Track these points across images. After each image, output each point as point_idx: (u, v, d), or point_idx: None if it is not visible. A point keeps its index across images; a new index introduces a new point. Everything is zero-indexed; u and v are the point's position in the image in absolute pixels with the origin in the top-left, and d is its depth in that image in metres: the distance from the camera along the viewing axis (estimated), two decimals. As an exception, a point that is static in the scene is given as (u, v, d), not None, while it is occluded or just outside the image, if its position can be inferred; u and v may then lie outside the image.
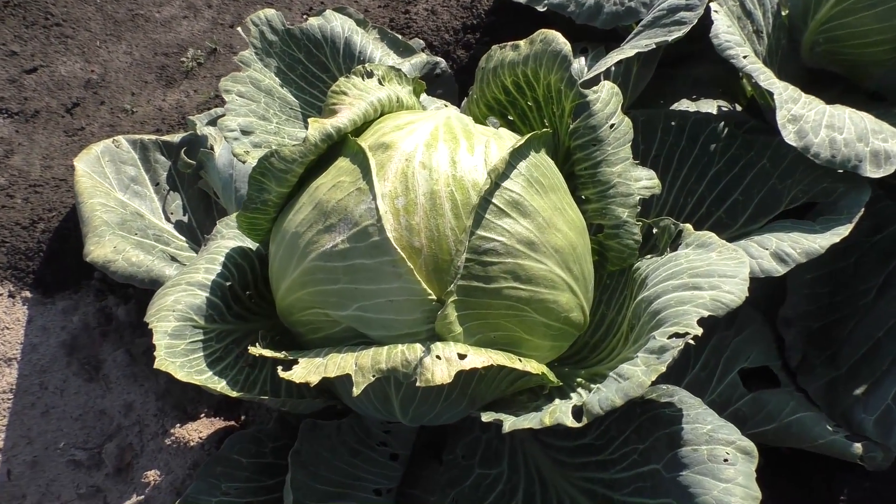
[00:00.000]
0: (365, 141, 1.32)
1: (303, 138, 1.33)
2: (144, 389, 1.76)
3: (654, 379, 1.10)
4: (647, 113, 1.67)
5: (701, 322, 1.18)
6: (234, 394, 1.31)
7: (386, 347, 1.18)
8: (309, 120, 1.34)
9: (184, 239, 1.84)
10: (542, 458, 1.46)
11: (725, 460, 1.21)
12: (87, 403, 1.78)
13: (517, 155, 1.27)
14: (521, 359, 1.20)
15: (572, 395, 1.40)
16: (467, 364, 1.14)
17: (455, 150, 1.27)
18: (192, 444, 1.66)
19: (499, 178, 1.23)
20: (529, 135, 1.29)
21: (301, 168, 1.34)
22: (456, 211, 1.22)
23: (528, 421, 1.15)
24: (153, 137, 1.95)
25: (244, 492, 1.38)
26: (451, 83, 2.10)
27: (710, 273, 1.25)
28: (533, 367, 1.20)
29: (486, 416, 1.21)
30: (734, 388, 1.60)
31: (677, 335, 1.18)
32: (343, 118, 1.34)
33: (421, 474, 1.58)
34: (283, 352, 1.28)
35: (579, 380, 1.44)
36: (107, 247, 1.57)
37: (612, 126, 1.40)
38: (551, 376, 1.25)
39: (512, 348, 1.26)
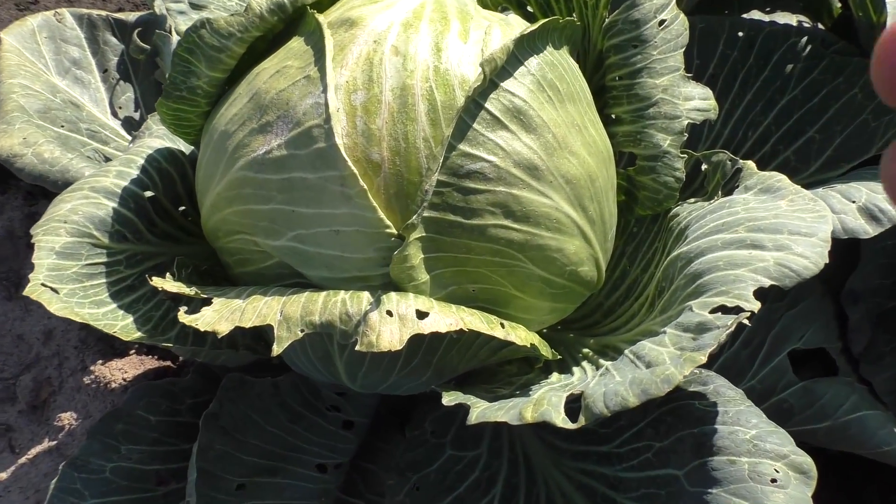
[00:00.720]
0: (328, 16, 0.98)
1: (245, 7, 1.00)
2: (68, 315, 1.47)
3: (688, 372, 0.77)
4: (708, 20, 1.31)
5: (759, 294, 0.85)
6: (133, 336, 1.01)
7: (324, 294, 0.87)
8: (256, -17, 1.00)
9: (130, 139, 1.53)
10: (533, 441, 1.16)
11: (773, 480, 0.89)
12: (3, 326, 1.51)
13: (526, 45, 0.93)
14: (506, 324, 0.88)
15: (574, 370, 1.09)
16: (428, 326, 0.83)
17: (443, 33, 0.93)
18: (113, 385, 1.38)
19: (497, 73, 0.89)
20: (546, 20, 0.95)
21: (241, 47, 1.00)
22: (434, 116, 0.88)
23: (503, 412, 0.84)
24: (104, 13, 1.62)
25: (150, 457, 1.10)
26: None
27: (778, 228, 0.90)
28: (519, 336, 0.88)
29: (449, 398, 0.90)
30: (781, 374, 1.30)
31: (724, 309, 0.86)
32: (301, -16, 1.00)
33: (382, 447, 1.29)
34: (196, 287, 0.97)
35: (586, 350, 1.12)
36: (14, 137, 1.26)
37: (661, 23, 1.04)
38: (544, 349, 0.93)
39: (496, 307, 0.94)
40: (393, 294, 0.86)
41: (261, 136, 0.93)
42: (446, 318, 0.84)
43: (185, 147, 1.19)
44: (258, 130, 0.93)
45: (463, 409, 1.04)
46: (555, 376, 1.06)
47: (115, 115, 1.58)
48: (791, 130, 1.28)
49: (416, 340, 0.87)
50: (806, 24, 1.46)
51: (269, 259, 0.96)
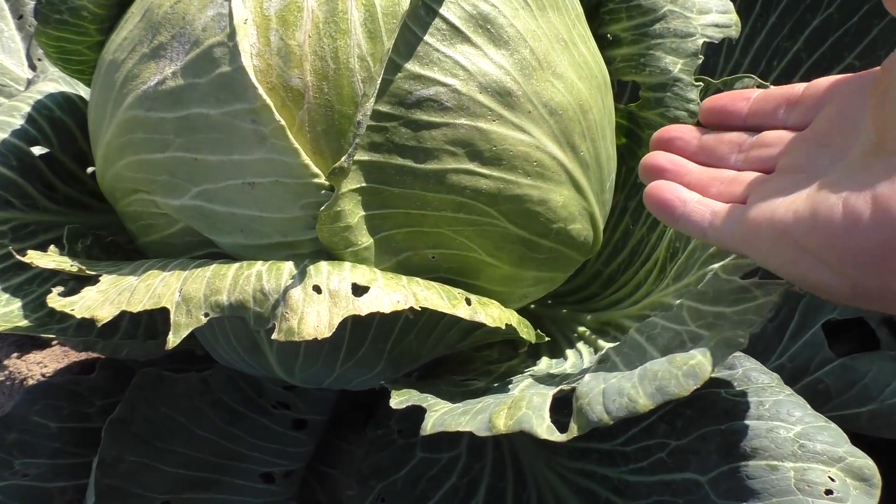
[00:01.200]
0: (239, -89, 0.76)
1: None
2: (-22, 301, 1.27)
3: (722, 361, 0.57)
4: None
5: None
6: (10, 325, 0.80)
7: (235, 266, 0.66)
8: None
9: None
10: (522, 436, 0.95)
11: (828, 492, 0.69)
12: None
13: (495, -64, 0.71)
14: (473, 300, 0.67)
15: (568, 353, 0.88)
16: (367, 306, 0.62)
17: (384, -79, 0.71)
18: (30, 382, 1.18)
19: (454, -33, 0.67)
20: None
21: (133, -46, 0.79)
22: (372, 26, 0.67)
23: (468, 418, 0.63)
24: (17, -48, 1.39)
25: (52, 472, 0.90)
26: None
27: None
28: (490, 315, 0.67)
29: (399, 400, 0.69)
30: (815, 350, 1.12)
31: (758, 272, 0.65)
32: None
33: (344, 447, 1.10)
34: (85, 262, 0.76)
35: (582, 329, 0.91)
36: None
37: (668, -86, 0.83)
38: (524, 331, 0.72)
39: (464, 279, 0.73)
40: (323, 264, 0.65)
41: (153, 62, 0.71)
42: (393, 294, 0.63)
43: (85, 92, 0.97)
44: (149, 56, 0.72)
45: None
46: (544, 362, 0.86)
47: (32, 67, 1.36)
48: (825, 57, 1.06)
49: (361, 324, 0.66)
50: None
51: (174, 224, 0.75)
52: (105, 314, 0.66)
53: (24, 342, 1.24)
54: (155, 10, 0.73)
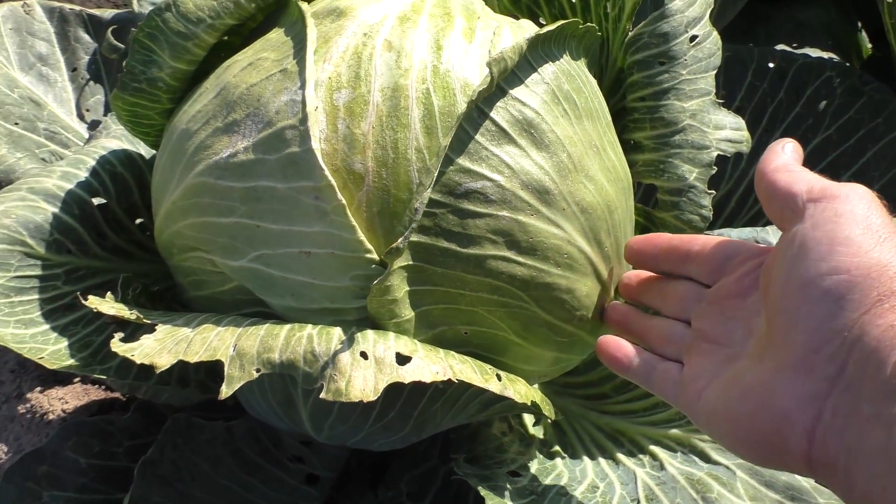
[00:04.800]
0: (313, 6, 0.85)
1: (220, -9, 0.87)
2: (7, 334, 1.31)
3: None
4: (735, 48, 1.19)
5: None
6: (63, 363, 0.86)
7: (287, 327, 0.73)
8: (235, -34, 0.87)
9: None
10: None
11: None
12: (-66, 342, 1.34)
13: (541, 49, 0.80)
14: (502, 376, 0.74)
15: (585, 458, 0.94)
16: (409, 374, 0.68)
17: (444, 30, 0.79)
18: (51, 417, 1.22)
19: (506, 78, 0.75)
20: (564, 22, 0.82)
21: (211, 35, 0.87)
22: (429, 123, 0.75)
23: None
24: (77, 8, 1.48)
25: (76, 506, 0.93)
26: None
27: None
28: (518, 392, 0.73)
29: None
30: None
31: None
32: (286, -31, 0.87)
33: (350, 506, 1.13)
34: (141, 311, 0.82)
35: (596, 433, 0.98)
36: None
37: (692, 39, 0.92)
38: (546, 408, 0.78)
39: (491, 354, 0.80)
40: (370, 332, 0.71)
41: (225, 136, 0.79)
42: (432, 366, 0.69)
43: (145, 151, 1.05)
44: (223, 130, 0.79)
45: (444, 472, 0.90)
46: (560, 465, 0.91)
47: (81, 117, 1.44)
48: (823, 173, 1.15)
49: (395, 389, 0.72)
50: (836, 62, 1.34)
51: (228, 282, 0.82)
52: (163, 362, 0.72)
53: (48, 377, 1.29)
54: (231, 90, 0.81)
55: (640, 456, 0.93)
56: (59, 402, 1.24)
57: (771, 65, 1.16)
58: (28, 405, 1.24)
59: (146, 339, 0.76)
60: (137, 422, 0.99)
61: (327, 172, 0.72)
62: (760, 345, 0.66)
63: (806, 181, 0.67)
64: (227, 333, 0.74)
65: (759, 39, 1.38)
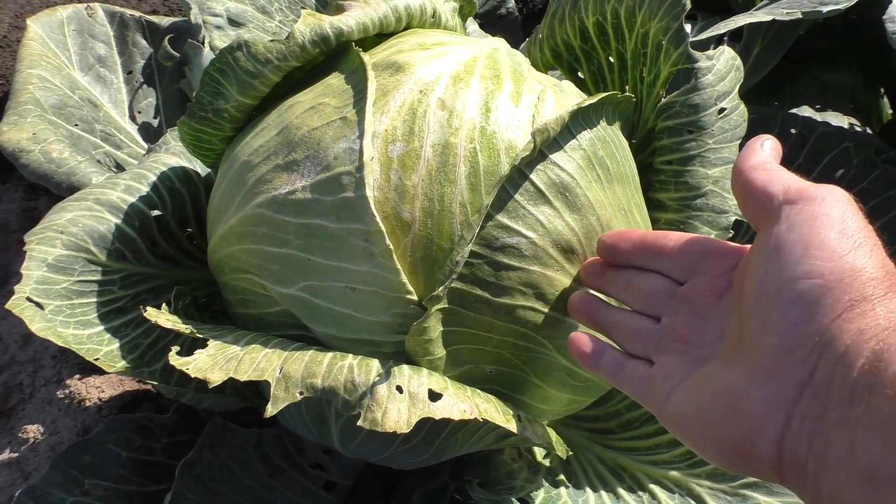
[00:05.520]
0: (373, 56, 0.92)
1: (287, 34, 0.94)
2: (51, 321, 1.39)
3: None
4: (760, 111, 1.25)
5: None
6: (117, 366, 0.93)
7: (329, 355, 0.80)
8: (303, 12, 0.95)
9: (146, 147, 1.46)
10: None
11: None
12: (-19, 322, 1.43)
13: (581, 118, 0.87)
14: (522, 417, 0.81)
15: (587, 490, 1.02)
16: (440, 411, 0.75)
17: (493, 92, 0.86)
18: (87, 404, 1.30)
19: (548, 144, 0.82)
20: (604, 95, 0.89)
21: (277, 76, 0.94)
22: (474, 180, 0.82)
23: None
24: (136, 14, 1.56)
25: (115, 496, 1.01)
26: (516, 29, 1.69)
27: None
28: (536, 433, 0.80)
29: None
30: None
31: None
32: (350, 19, 0.94)
33: (361, 514, 1.21)
34: (193, 323, 0.90)
35: (599, 466, 1.05)
36: (24, 131, 1.19)
37: (721, 111, 0.99)
38: (559, 448, 0.85)
39: (512, 393, 0.87)
40: (405, 367, 0.79)
41: (285, 174, 0.86)
42: (461, 404, 0.76)
43: (201, 168, 1.12)
44: (283, 168, 0.86)
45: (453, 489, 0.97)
46: (564, 494, 0.99)
47: (132, 119, 1.51)
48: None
49: (422, 420, 0.79)
50: (857, 128, 1.41)
51: (275, 306, 0.89)
52: (216, 378, 0.79)
53: (86, 365, 1.37)
54: (293, 130, 0.88)
55: (640, 493, 1.00)
56: (95, 390, 1.32)
57: (793, 131, 1.22)
58: (66, 391, 1.32)
59: (199, 354, 0.83)
60: (176, 421, 1.06)
61: (378, 218, 0.79)
62: (732, 347, 0.64)
63: (783, 181, 0.65)
64: (274, 356, 0.81)
65: (784, 98, 1.45)
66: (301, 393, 0.77)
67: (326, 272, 0.83)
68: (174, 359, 0.82)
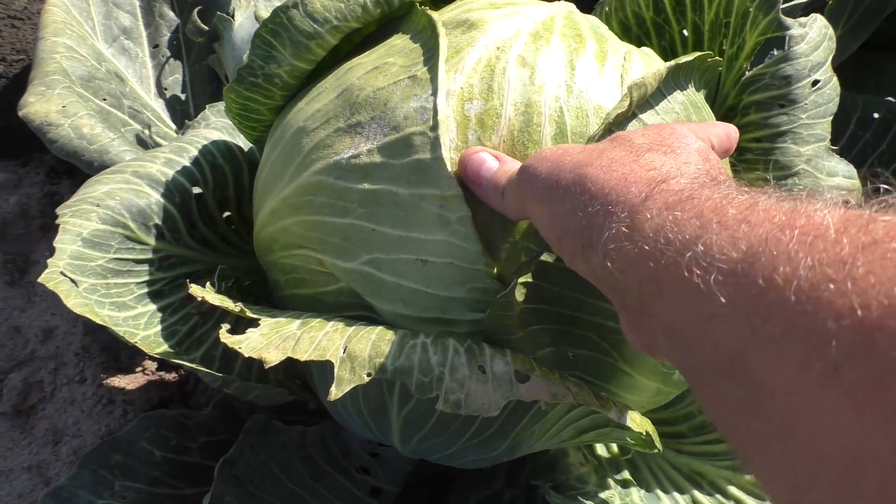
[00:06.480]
0: (441, 15, 0.85)
1: (347, -7, 0.87)
2: (73, 315, 1.29)
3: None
4: (841, 94, 1.17)
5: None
6: (157, 350, 0.85)
7: (400, 333, 0.71)
8: (363, -29, 0.87)
9: (173, 127, 1.38)
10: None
11: None
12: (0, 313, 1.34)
13: (673, 80, 0.79)
14: (618, 404, 0.72)
15: (660, 494, 0.92)
16: (530, 392, 0.66)
17: (577, 51, 0.79)
18: (112, 406, 1.21)
19: (641, 104, 0.75)
20: (698, 54, 0.81)
21: (335, 37, 0.87)
22: (560, 142, 0.74)
23: None
24: (165, -15, 1.49)
25: (146, 499, 0.92)
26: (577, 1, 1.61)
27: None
28: (634, 421, 0.72)
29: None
30: None
31: None
32: (414, -22, 0.87)
33: (407, 523, 1.11)
34: (241, 303, 0.81)
35: (672, 472, 0.96)
36: (52, 103, 1.11)
37: (814, 84, 0.91)
38: (657, 440, 0.76)
39: (596, 381, 0.78)
40: (486, 347, 0.70)
41: (347, 137, 0.78)
42: (551, 386, 0.67)
43: (244, 143, 1.05)
44: (345, 131, 0.79)
45: (524, 479, 0.88)
46: (637, 499, 0.90)
47: (160, 94, 1.42)
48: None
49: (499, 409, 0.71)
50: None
51: (333, 283, 0.81)
52: (272, 357, 0.71)
53: (110, 363, 1.28)
54: (355, 92, 0.80)
55: (721, 498, 0.91)
56: (120, 391, 1.24)
57: (876, 115, 1.14)
58: (90, 391, 1.24)
59: (252, 333, 0.75)
60: (215, 419, 0.98)
61: (456, 182, 0.71)
62: None
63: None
64: (335, 334, 0.72)
65: (866, 89, 1.36)
66: (368, 374, 0.69)
67: (394, 243, 0.75)
68: (225, 336, 0.74)
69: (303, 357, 0.70)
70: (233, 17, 1.32)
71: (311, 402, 0.93)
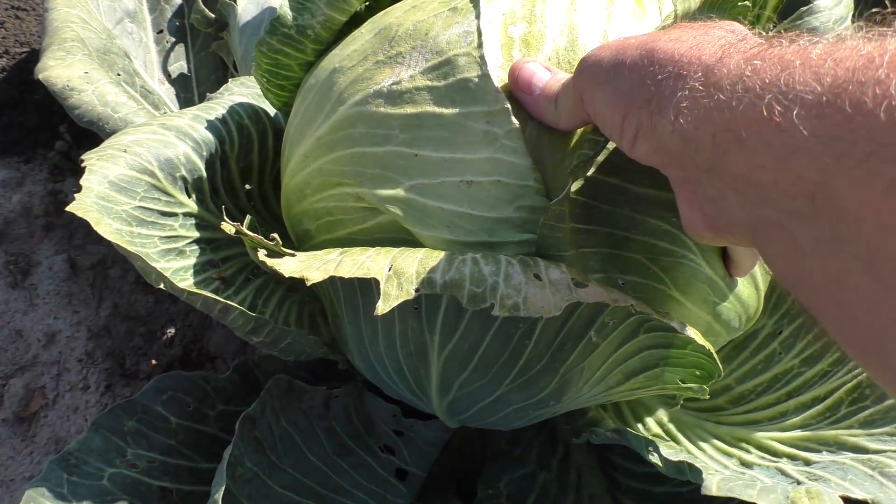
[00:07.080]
0: (473, -36, 0.86)
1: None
2: (77, 319, 1.25)
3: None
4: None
5: None
6: (183, 284, 0.81)
7: (446, 252, 0.69)
8: (396, -74, 0.89)
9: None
10: None
11: None
12: (1, 316, 1.29)
13: (709, 13, 0.79)
14: (675, 317, 0.69)
15: (705, 460, 0.89)
16: (590, 295, 0.64)
17: (615, -14, 0.79)
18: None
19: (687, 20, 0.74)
20: (733, -9, 0.82)
21: (372, -15, 0.87)
22: (605, 62, 0.73)
23: (756, 493, 0.67)
24: (170, -36, 1.49)
25: (160, 469, 0.86)
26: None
27: None
28: (697, 334, 0.69)
29: (668, 451, 0.71)
30: None
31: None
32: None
33: (431, 514, 1.05)
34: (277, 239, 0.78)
35: (716, 441, 0.93)
36: (74, 68, 1.08)
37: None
38: (718, 361, 0.73)
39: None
40: (539, 259, 0.67)
41: (387, 68, 0.77)
42: (611, 293, 0.65)
43: (269, 109, 1.03)
44: (384, 63, 0.78)
45: (557, 460, 0.84)
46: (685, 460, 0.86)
47: (166, 80, 1.40)
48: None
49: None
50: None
51: (370, 219, 0.78)
52: (315, 276, 0.68)
53: (114, 370, 1.23)
54: (393, 28, 0.80)
55: (774, 458, 0.87)
56: (124, 399, 1.18)
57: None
58: (94, 398, 1.18)
59: (288, 259, 0.72)
60: (235, 384, 0.93)
61: (503, 95, 0.70)
62: None
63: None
64: (379, 256, 0.70)
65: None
66: (417, 289, 0.65)
67: (438, 167, 0.73)
68: (263, 257, 0.71)
69: (346, 274, 0.68)
70: (235, 2, 1.31)
71: (339, 361, 0.89)
